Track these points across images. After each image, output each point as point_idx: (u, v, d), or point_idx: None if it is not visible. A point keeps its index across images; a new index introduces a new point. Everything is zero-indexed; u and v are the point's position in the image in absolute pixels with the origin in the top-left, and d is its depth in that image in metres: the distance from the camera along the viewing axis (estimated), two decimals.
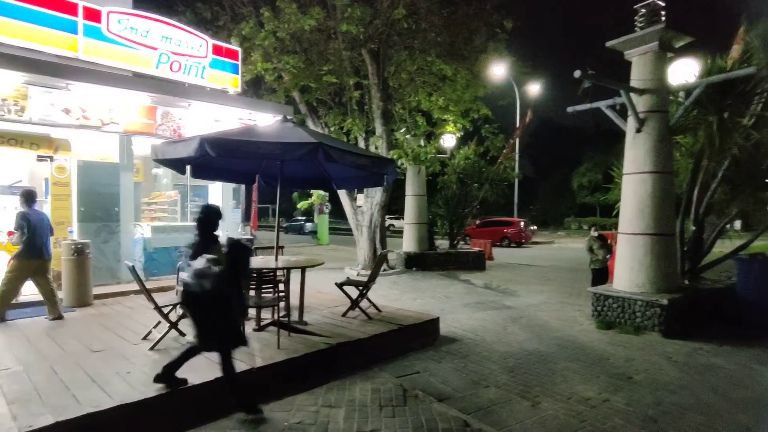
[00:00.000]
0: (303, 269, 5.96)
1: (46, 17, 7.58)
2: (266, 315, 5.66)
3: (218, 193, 10.65)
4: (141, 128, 8.56)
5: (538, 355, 5.59)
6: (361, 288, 6.32)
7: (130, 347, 4.86)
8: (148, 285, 5.28)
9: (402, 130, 13.44)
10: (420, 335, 5.94)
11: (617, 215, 7.62)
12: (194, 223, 3.79)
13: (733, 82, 6.88)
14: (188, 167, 5.90)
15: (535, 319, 7.50)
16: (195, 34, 9.54)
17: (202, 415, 3.65)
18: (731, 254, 7.76)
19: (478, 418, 3.86)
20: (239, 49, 10.57)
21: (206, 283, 3.40)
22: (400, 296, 9.29)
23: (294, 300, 5.95)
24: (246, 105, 10.02)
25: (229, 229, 10.34)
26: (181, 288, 3.55)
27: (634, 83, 7.09)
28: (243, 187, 10.80)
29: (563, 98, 8.64)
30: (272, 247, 6.10)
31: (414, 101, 13.26)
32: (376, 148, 12.30)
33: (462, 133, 14.56)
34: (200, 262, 3.43)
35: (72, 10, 7.85)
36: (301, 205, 22.92)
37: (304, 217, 36.62)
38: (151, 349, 4.73)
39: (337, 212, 22.52)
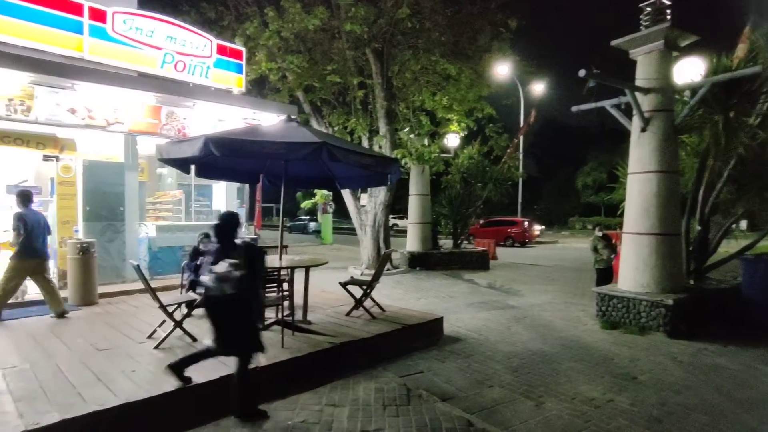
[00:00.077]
0: (307, 268, 5.97)
1: (52, 18, 7.63)
2: (270, 314, 5.67)
3: (222, 192, 10.69)
4: (146, 128, 8.60)
5: (542, 355, 5.58)
6: (365, 287, 6.33)
7: (135, 346, 4.89)
8: (153, 284, 5.30)
9: (406, 130, 13.44)
10: (424, 335, 5.94)
11: (622, 215, 7.60)
12: (213, 229, 3.82)
13: (739, 81, 6.84)
14: (193, 167, 5.92)
15: (539, 319, 7.48)
16: (199, 34, 9.58)
17: (206, 414, 3.67)
18: (737, 254, 7.72)
19: (482, 418, 3.85)
20: (243, 49, 10.60)
21: (227, 287, 3.43)
22: (404, 296, 9.29)
23: (298, 299, 5.96)
24: (250, 105, 10.05)
25: None
26: (201, 292, 3.55)
27: (639, 82, 7.06)
28: (247, 186, 10.80)
29: (568, 97, 8.63)
30: (276, 247, 6.12)
31: (418, 101, 13.25)
32: (380, 147, 12.31)
33: (466, 133, 14.54)
34: (222, 267, 3.46)
35: (77, 10, 7.89)
36: (305, 204, 22.95)
37: (308, 217, 36.67)
38: (156, 347, 4.75)
39: (341, 212, 22.54)
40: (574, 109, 7.95)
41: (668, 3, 6.90)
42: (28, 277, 6.24)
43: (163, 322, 5.07)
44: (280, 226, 6.44)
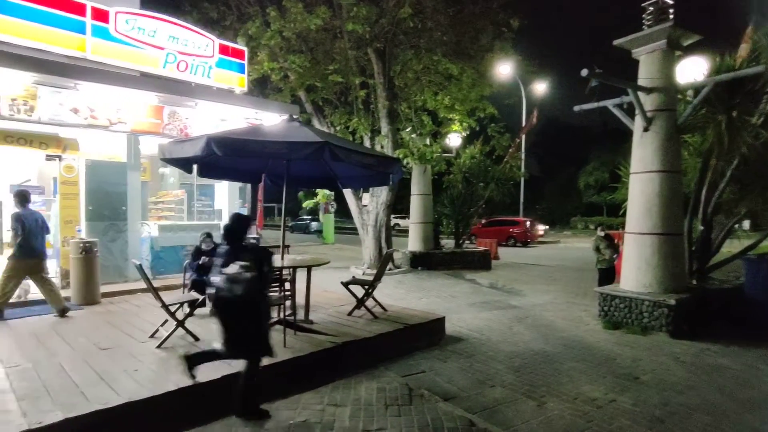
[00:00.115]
0: (309, 268, 5.97)
1: (55, 18, 7.65)
2: (272, 314, 5.66)
3: (224, 192, 10.71)
4: (148, 128, 8.62)
5: (544, 355, 5.58)
6: (366, 287, 6.33)
7: (138, 345, 4.90)
8: (155, 283, 5.32)
9: (408, 130, 13.43)
10: (425, 334, 5.94)
11: (624, 215, 7.58)
12: (222, 231, 3.83)
13: (742, 81, 6.82)
14: (195, 166, 5.92)
15: (541, 319, 7.47)
16: (202, 34, 9.59)
17: (209, 413, 3.68)
18: (740, 254, 7.70)
19: (483, 418, 3.85)
20: (245, 49, 10.61)
21: (238, 289, 3.44)
22: (406, 295, 9.29)
23: (300, 299, 5.97)
24: (252, 104, 10.06)
25: None
26: (212, 292, 3.55)
27: (641, 82, 7.04)
28: (249, 186, 10.82)
29: (570, 97, 8.61)
30: (278, 246, 6.12)
31: (420, 100, 13.24)
32: (382, 147, 12.31)
33: (468, 132, 14.52)
34: (233, 268, 3.47)
35: (80, 10, 7.91)
36: (307, 204, 22.97)
37: (310, 217, 36.67)
38: (159, 347, 4.76)
39: (343, 211, 22.52)
40: (576, 108, 7.94)
41: (671, 2, 6.88)
42: (27, 277, 6.26)
43: (166, 321, 5.08)
44: (282, 225, 6.45)
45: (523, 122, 22.49)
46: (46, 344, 4.92)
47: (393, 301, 7.48)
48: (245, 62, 10.39)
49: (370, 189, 13.23)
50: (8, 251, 6.79)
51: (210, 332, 5.29)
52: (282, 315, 5.27)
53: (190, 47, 9.28)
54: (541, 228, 27.62)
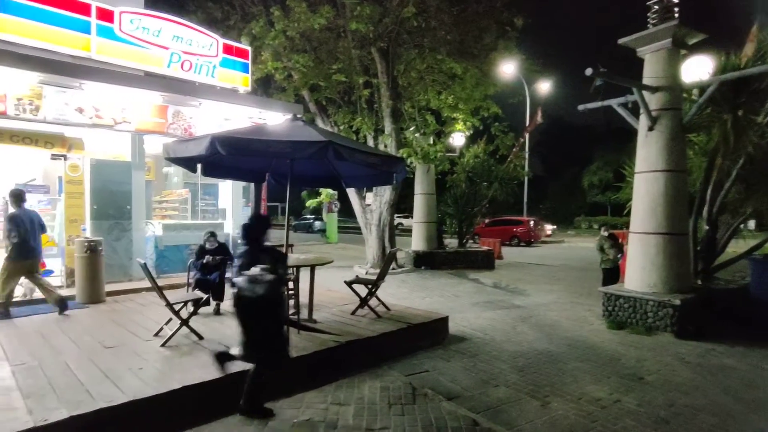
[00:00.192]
0: (312, 267, 5.98)
1: (60, 18, 7.69)
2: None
3: (228, 191, 10.73)
4: (153, 127, 8.65)
5: (548, 355, 5.56)
6: (370, 286, 6.33)
7: (142, 344, 4.92)
8: (160, 282, 5.33)
9: (411, 129, 13.43)
10: (429, 334, 5.94)
11: (628, 214, 7.55)
12: (241, 231, 3.84)
13: (748, 80, 6.78)
14: (199, 165, 5.92)
15: (545, 319, 7.46)
16: (206, 34, 9.61)
17: (213, 411, 3.69)
18: (745, 254, 7.66)
19: (487, 417, 3.85)
20: (249, 48, 10.63)
21: (260, 289, 3.46)
22: (409, 295, 9.29)
23: (303, 298, 5.97)
24: (256, 104, 10.07)
25: (239, 227, 10.41)
26: (234, 293, 3.55)
27: (646, 81, 7.01)
28: (253, 185, 10.84)
29: (574, 96, 8.57)
30: (282, 246, 6.13)
31: (423, 100, 13.23)
32: (386, 146, 12.30)
33: (471, 132, 14.50)
34: (254, 271, 3.48)
35: (85, 10, 7.94)
36: (310, 203, 23.00)
37: (313, 216, 36.71)
38: (163, 345, 4.78)
39: (346, 211, 22.55)
40: (580, 107, 7.91)
41: (676, 1, 6.85)
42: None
43: (170, 320, 5.10)
44: (286, 225, 6.44)
45: (527, 121, 22.43)
46: (52, 342, 4.95)
47: (396, 301, 7.48)
48: (249, 62, 10.41)
49: (374, 188, 13.23)
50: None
51: (214, 331, 5.32)
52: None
53: (194, 47, 9.31)
54: (548, 228, 27.61)
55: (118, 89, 7.99)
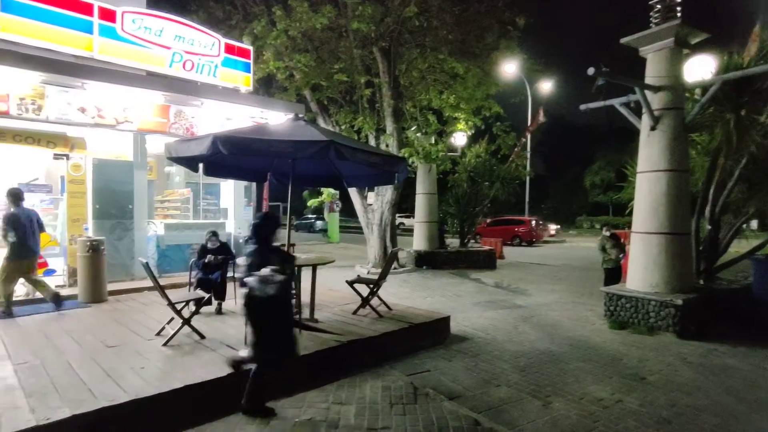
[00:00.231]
0: (314, 267, 5.98)
1: (62, 17, 7.70)
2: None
3: (230, 191, 10.74)
4: (155, 127, 8.66)
5: (550, 355, 5.56)
6: (371, 286, 6.33)
7: (144, 343, 4.93)
8: (161, 281, 5.33)
9: (413, 129, 13.42)
10: (430, 333, 5.94)
11: (630, 214, 7.54)
12: (251, 229, 3.83)
13: (750, 79, 6.76)
14: (201, 165, 5.94)
15: (547, 319, 7.45)
16: (208, 33, 9.61)
17: (215, 410, 3.69)
18: (748, 254, 7.64)
19: (489, 417, 3.84)
20: (251, 48, 10.63)
21: (271, 289, 3.46)
22: (411, 294, 9.29)
23: (305, 297, 5.98)
24: (258, 103, 10.08)
25: (241, 227, 10.42)
26: (245, 292, 3.54)
27: (649, 80, 6.99)
28: (254, 185, 10.85)
29: (576, 96, 8.57)
30: (283, 245, 6.13)
31: (425, 99, 13.23)
32: (387, 146, 12.30)
33: (473, 131, 14.49)
34: (265, 271, 3.48)
35: (88, 10, 7.95)
36: (312, 203, 22.98)
37: (315, 215, 36.71)
38: (165, 344, 4.79)
39: (348, 210, 22.56)
40: (582, 107, 7.90)
41: (678, 0, 6.83)
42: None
43: (172, 319, 5.10)
44: (288, 224, 6.45)
45: (529, 121, 22.40)
46: (54, 341, 4.96)
47: (398, 300, 7.48)
48: (251, 61, 10.42)
49: (375, 188, 13.23)
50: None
51: (216, 330, 5.33)
52: None
53: (196, 46, 9.31)
54: (552, 227, 27.62)
55: (120, 89, 8.00)
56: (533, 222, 24.45)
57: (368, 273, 11.64)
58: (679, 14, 6.78)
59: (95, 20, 8.01)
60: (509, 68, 13.95)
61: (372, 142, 12.80)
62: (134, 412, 3.43)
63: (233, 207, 10.62)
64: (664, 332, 6.42)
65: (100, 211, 8.21)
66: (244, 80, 10.22)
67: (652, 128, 6.90)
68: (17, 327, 5.59)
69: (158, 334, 5.16)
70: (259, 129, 6.26)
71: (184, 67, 9.15)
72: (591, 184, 40.94)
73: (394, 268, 12.38)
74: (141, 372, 4.03)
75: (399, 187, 12.43)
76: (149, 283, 5.55)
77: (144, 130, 8.55)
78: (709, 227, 7.60)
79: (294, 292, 5.66)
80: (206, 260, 6.34)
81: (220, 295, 6.35)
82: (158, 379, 3.87)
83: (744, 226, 8.04)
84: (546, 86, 21.40)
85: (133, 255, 8.40)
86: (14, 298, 6.31)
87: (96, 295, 7.03)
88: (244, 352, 3.66)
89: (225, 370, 3.97)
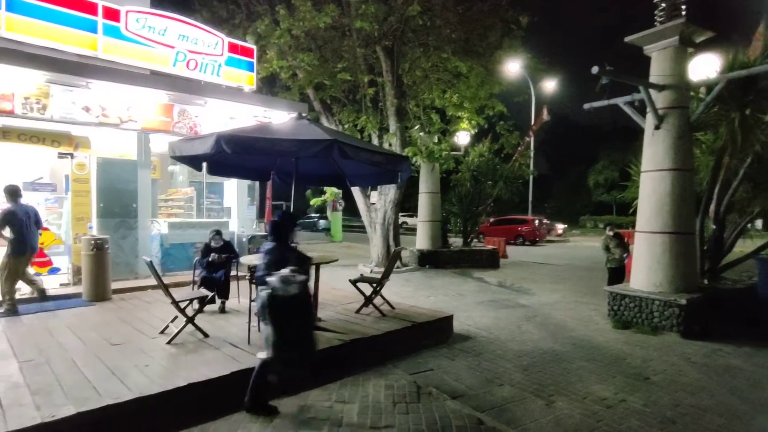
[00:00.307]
0: (317, 266, 5.98)
1: (67, 17, 7.73)
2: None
3: (233, 190, 10.76)
4: (158, 126, 8.68)
5: (553, 354, 5.55)
6: (374, 285, 6.33)
7: (148, 341, 4.95)
8: (165, 280, 5.35)
9: (416, 128, 13.41)
10: (433, 332, 5.94)
11: (634, 213, 7.51)
12: (269, 228, 3.83)
13: (755, 78, 6.72)
14: (204, 164, 5.96)
15: (550, 318, 7.44)
16: (211, 33, 9.63)
17: (219, 409, 3.70)
18: (752, 254, 7.60)
19: (492, 416, 3.84)
20: (254, 47, 10.64)
21: (293, 289, 3.46)
22: (414, 293, 9.29)
23: None
24: (261, 102, 10.09)
25: (244, 226, 10.45)
26: (266, 292, 3.51)
27: (653, 79, 6.96)
28: (257, 183, 10.87)
29: (580, 95, 8.54)
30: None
31: (428, 98, 13.20)
32: (390, 145, 12.30)
33: (476, 131, 14.46)
34: (285, 272, 3.48)
35: (92, 9, 7.98)
36: (314, 202, 23.01)
37: (318, 214, 36.75)
38: (169, 343, 4.80)
39: (351, 209, 22.56)
40: (586, 106, 7.87)
41: None
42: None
43: (175, 317, 5.12)
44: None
45: (532, 120, 22.35)
46: (59, 339, 4.99)
47: (401, 299, 7.48)
48: (254, 60, 10.43)
49: (379, 187, 13.23)
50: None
51: (219, 329, 5.35)
52: None
53: (199, 46, 9.33)
54: (560, 227, 27.62)
55: (124, 88, 8.03)
56: (536, 221, 24.41)
57: (371, 272, 11.65)
58: (683, 13, 6.75)
59: (99, 19, 8.04)
60: (512, 67, 13.89)
61: (375, 141, 12.79)
62: (138, 410, 3.45)
63: (236, 206, 10.65)
64: (668, 332, 6.40)
65: (105, 210, 8.24)
66: (247, 79, 10.23)
67: (657, 127, 6.88)
68: (22, 325, 5.62)
69: (162, 332, 5.18)
70: (263, 128, 6.27)
71: (187, 66, 9.17)
72: (595, 184, 40.84)
73: (397, 267, 12.39)
74: (145, 370, 4.05)
75: (402, 186, 12.42)
76: (153, 281, 5.56)
77: (148, 129, 8.58)
78: (714, 227, 7.57)
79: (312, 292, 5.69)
80: (210, 259, 6.36)
81: (224, 294, 6.37)
82: (162, 377, 3.89)
83: (749, 225, 8.00)
84: (549, 85, 21.32)
85: (137, 253, 8.43)
86: (19, 296, 6.36)
87: (100, 293, 7.06)
88: (262, 354, 3.60)
89: (228, 369, 3.98)
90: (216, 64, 9.62)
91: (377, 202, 13.29)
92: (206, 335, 5.03)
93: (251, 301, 5.24)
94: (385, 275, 6.46)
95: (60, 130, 7.68)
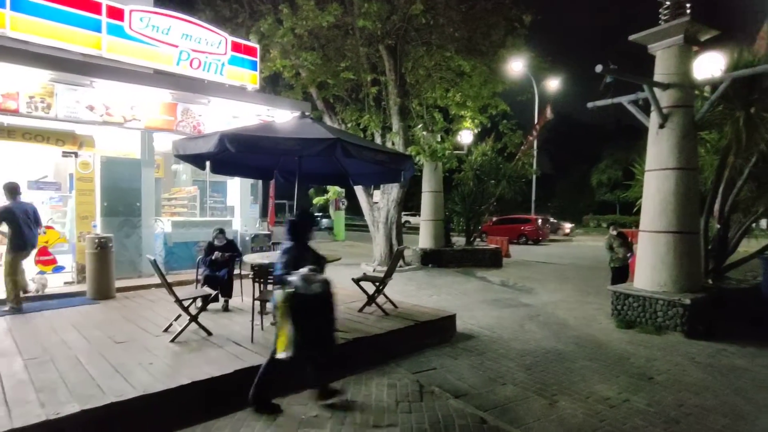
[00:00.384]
0: None
1: (72, 16, 7.76)
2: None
3: (236, 188, 10.79)
4: (162, 125, 8.71)
5: (556, 354, 5.54)
6: (377, 284, 6.33)
7: (152, 339, 4.96)
8: (169, 279, 5.37)
9: (419, 126, 13.40)
10: (436, 331, 5.94)
11: (638, 213, 7.49)
12: (287, 226, 3.82)
13: (760, 77, 6.68)
14: (208, 163, 5.96)
15: (553, 317, 7.42)
16: (214, 32, 9.65)
17: (221, 408, 3.71)
18: (757, 253, 7.57)
19: (495, 416, 3.84)
20: (258, 46, 10.66)
21: (316, 287, 3.46)
22: (417, 292, 9.29)
23: None
24: (264, 101, 10.11)
25: (247, 224, 10.47)
26: (288, 292, 3.48)
27: (657, 78, 6.93)
28: (260, 182, 10.89)
29: (583, 93, 8.51)
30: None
31: (431, 97, 13.19)
32: (393, 144, 12.29)
33: (479, 129, 14.44)
34: (304, 270, 3.47)
35: (96, 8, 8.01)
36: (317, 201, 23.04)
37: (321, 213, 36.77)
38: (172, 341, 4.82)
39: (354, 208, 22.58)
40: (590, 105, 7.84)
41: None
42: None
43: (179, 316, 5.14)
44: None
45: (536, 119, 22.28)
46: (63, 337, 5.01)
47: (404, 298, 7.47)
48: (257, 59, 10.45)
49: (381, 186, 13.22)
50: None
51: (223, 327, 5.36)
52: None
53: (203, 45, 9.35)
54: (567, 226, 27.58)
55: (128, 87, 8.06)
56: (539, 220, 24.36)
57: (374, 271, 11.66)
58: (688, 11, 6.71)
59: (103, 19, 8.07)
60: (516, 66, 13.85)
61: (378, 140, 12.79)
62: (142, 408, 3.46)
63: (240, 204, 10.68)
64: (672, 332, 6.37)
65: (108, 209, 8.27)
66: (250, 78, 10.25)
67: (661, 126, 6.85)
68: (27, 323, 5.65)
69: (166, 330, 5.19)
70: (266, 127, 6.28)
71: (191, 65, 9.20)
72: (598, 183, 40.75)
73: (400, 266, 12.38)
74: (149, 368, 4.06)
75: (405, 185, 12.42)
76: (157, 280, 5.59)
77: (151, 128, 8.61)
78: (718, 226, 7.53)
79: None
80: (213, 257, 6.38)
81: (227, 293, 6.39)
82: (166, 375, 3.90)
83: (753, 225, 7.96)
84: (553, 84, 21.26)
85: (141, 252, 8.46)
86: (24, 295, 6.39)
87: (104, 291, 7.09)
88: (282, 355, 3.51)
89: (232, 367, 3.99)
90: (219, 63, 9.64)
91: (380, 201, 13.28)
92: (210, 333, 5.05)
93: (254, 299, 5.26)
94: (388, 274, 6.46)
95: (64, 129, 7.72)
